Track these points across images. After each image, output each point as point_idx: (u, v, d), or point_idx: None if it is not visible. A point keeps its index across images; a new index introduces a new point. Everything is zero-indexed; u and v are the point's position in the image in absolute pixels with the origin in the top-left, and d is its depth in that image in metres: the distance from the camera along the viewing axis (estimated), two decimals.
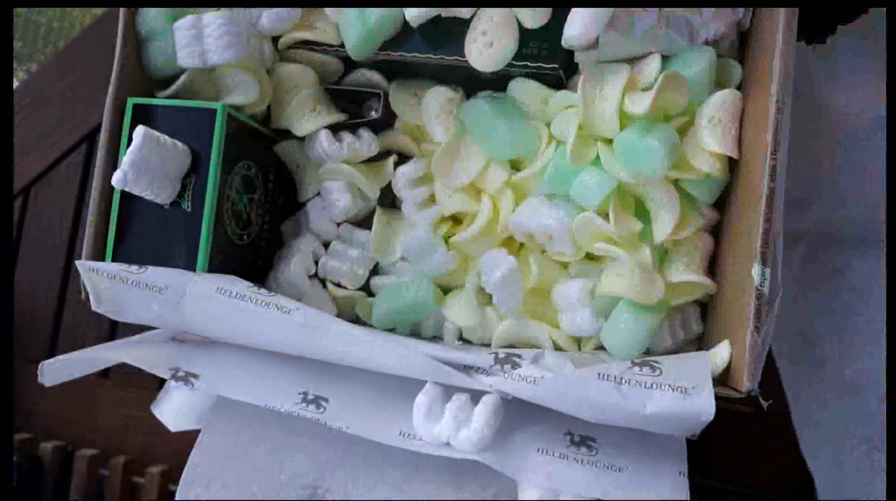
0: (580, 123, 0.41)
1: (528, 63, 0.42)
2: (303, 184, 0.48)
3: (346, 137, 0.45)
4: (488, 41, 0.42)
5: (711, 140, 0.40)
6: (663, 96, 0.39)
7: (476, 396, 0.37)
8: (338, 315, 0.44)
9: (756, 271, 0.36)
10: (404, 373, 0.38)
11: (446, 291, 0.46)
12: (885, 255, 0.50)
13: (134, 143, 0.39)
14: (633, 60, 0.42)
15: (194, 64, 0.41)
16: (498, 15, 0.42)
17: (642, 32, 0.40)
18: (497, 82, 0.45)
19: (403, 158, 0.47)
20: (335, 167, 0.46)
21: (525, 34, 0.42)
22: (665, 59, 0.41)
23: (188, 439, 0.44)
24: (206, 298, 0.39)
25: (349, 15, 0.43)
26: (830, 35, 0.50)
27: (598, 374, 0.35)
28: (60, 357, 0.42)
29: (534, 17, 0.42)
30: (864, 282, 0.52)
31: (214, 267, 0.41)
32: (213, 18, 0.41)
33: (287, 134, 0.47)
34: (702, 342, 0.44)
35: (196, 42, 0.41)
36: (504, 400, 0.37)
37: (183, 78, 0.42)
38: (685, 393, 0.34)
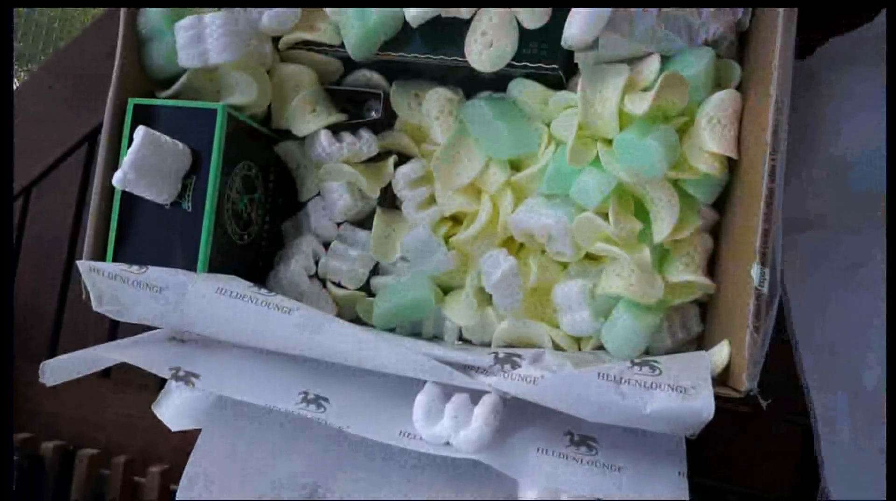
0: (580, 124, 0.41)
1: (528, 63, 0.42)
2: (303, 184, 0.48)
3: (347, 137, 0.45)
4: (488, 42, 0.42)
5: (711, 140, 0.40)
6: (663, 97, 0.39)
7: (475, 396, 0.37)
8: (338, 315, 0.45)
9: (755, 271, 0.36)
10: (404, 373, 0.38)
11: (446, 291, 0.46)
12: (884, 245, 0.49)
13: (134, 143, 0.39)
14: (632, 61, 0.42)
15: (194, 64, 0.41)
16: (498, 15, 0.42)
17: (642, 33, 0.40)
18: (497, 83, 0.45)
19: (403, 159, 0.47)
20: (335, 167, 0.46)
21: (525, 35, 0.42)
22: (664, 59, 0.41)
23: (189, 438, 0.44)
24: (206, 298, 0.39)
25: (349, 15, 0.43)
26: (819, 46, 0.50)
27: (598, 374, 0.35)
28: (62, 357, 0.42)
29: (533, 18, 0.42)
30: (878, 276, 0.51)
31: (214, 267, 0.41)
32: (213, 19, 0.41)
33: (287, 134, 0.47)
34: (701, 342, 0.44)
35: (196, 42, 0.41)
36: (504, 400, 0.37)
37: (183, 78, 0.42)
38: (685, 393, 0.34)
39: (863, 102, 0.50)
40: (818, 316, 0.52)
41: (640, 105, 0.39)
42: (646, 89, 0.41)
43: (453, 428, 0.37)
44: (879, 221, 0.50)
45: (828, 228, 0.51)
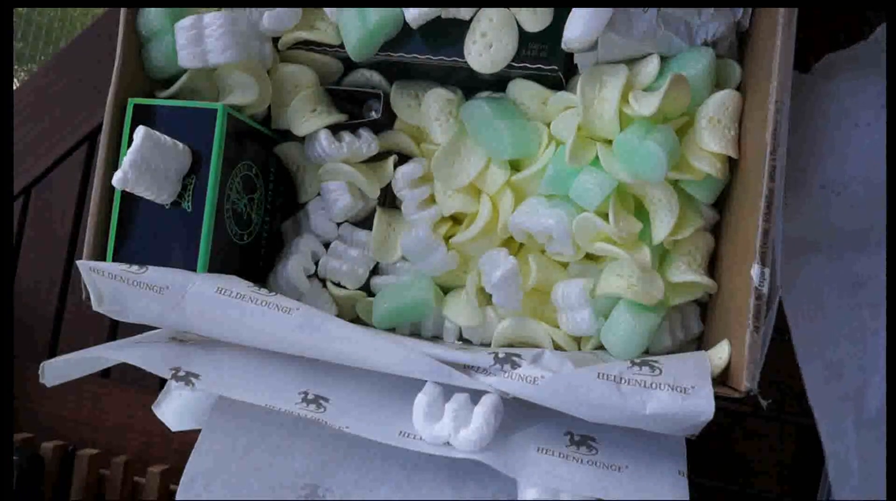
0: (579, 124, 0.41)
1: (528, 65, 0.42)
2: (303, 184, 0.48)
3: (346, 137, 0.45)
4: (488, 43, 0.42)
5: (711, 141, 0.40)
6: (668, 99, 0.39)
7: (476, 396, 0.37)
8: (338, 315, 0.45)
9: (755, 271, 0.36)
10: (404, 373, 0.38)
11: (446, 291, 0.46)
12: (884, 259, 0.49)
13: (134, 143, 0.39)
14: (631, 62, 0.42)
15: (195, 64, 0.41)
16: (497, 16, 0.42)
17: (641, 33, 0.40)
18: (497, 84, 0.45)
19: (403, 158, 0.47)
20: (335, 167, 0.46)
21: (525, 36, 0.42)
22: (664, 60, 0.41)
23: (189, 439, 0.44)
24: (206, 298, 0.39)
25: (349, 16, 0.43)
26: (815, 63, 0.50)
27: (598, 374, 0.35)
28: (61, 358, 0.42)
29: (535, 21, 0.42)
30: (881, 296, 0.50)
31: (214, 267, 0.41)
32: (213, 19, 0.41)
33: (287, 134, 0.47)
34: (701, 342, 0.44)
35: (197, 42, 0.41)
36: (504, 400, 0.37)
37: (184, 78, 0.42)
38: (685, 393, 0.34)
39: (863, 117, 0.50)
40: (822, 338, 0.51)
41: (646, 106, 0.39)
42: (646, 90, 0.41)
43: (453, 428, 0.37)
44: (881, 238, 0.50)
45: (830, 247, 0.51)
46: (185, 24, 0.41)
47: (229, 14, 0.41)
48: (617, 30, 0.39)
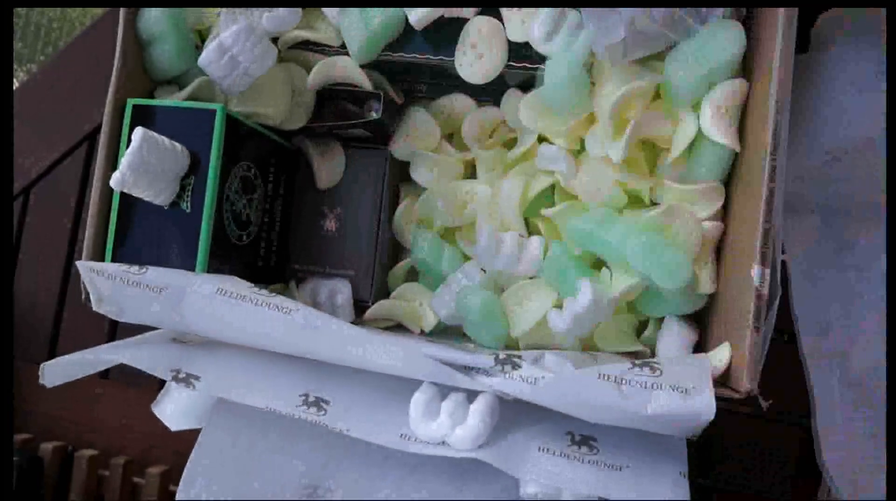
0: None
1: (528, 65, 0.42)
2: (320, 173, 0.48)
3: None
4: (478, 53, 0.42)
5: (717, 132, 0.39)
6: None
7: (472, 395, 0.37)
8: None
9: (756, 271, 0.36)
10: (404, 374, 0.38)
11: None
12: (885, 245, 0.49)
13: (132, 144, 0.39)
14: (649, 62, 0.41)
15: (245, 85, 0.41)
16: (487, 26, 0.42)
17: (660, 18, 0.38)
18: (499, 85, 0.45)
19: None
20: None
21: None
22: (676, 47, 0.40)
23: (188, 439, 0.44)
24: (206, 299, 0.39)
25: (352, 19, 0.43)
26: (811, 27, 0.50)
27: (599, 375, 0.35)
28: (60, 358, 0.42)
29: (521, 32, 0.41)
30: (866, 260, 0.51)
31: (213, 268, 0.41)
32: (234, 36, 0.40)
33: (288, 135, 0.47)
34: (702, 343, 0.44)
35: (233, 66, 0.40)
36: (503, 399, 0.37)
37: (194, 84, 0.42)
38: (685, 393, 0.34)
39: (855, 86, 0.50)
40: (814, 297, 0.52)
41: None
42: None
43: (450, 426, 0.37)
44: (866, 206, 0.50)
45: (825, 210, 0.51)
46: (212, 58, 0.40)
47: (244, 24, 0.41)
48: (640, 25, 0.38)
